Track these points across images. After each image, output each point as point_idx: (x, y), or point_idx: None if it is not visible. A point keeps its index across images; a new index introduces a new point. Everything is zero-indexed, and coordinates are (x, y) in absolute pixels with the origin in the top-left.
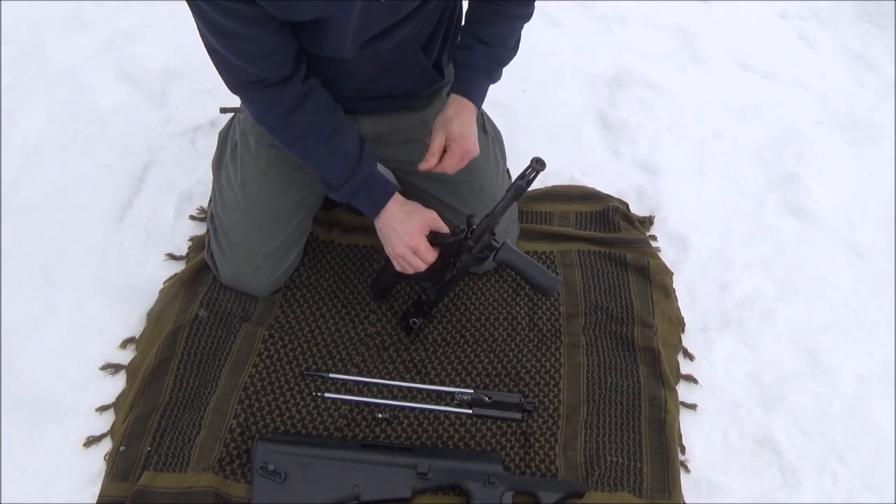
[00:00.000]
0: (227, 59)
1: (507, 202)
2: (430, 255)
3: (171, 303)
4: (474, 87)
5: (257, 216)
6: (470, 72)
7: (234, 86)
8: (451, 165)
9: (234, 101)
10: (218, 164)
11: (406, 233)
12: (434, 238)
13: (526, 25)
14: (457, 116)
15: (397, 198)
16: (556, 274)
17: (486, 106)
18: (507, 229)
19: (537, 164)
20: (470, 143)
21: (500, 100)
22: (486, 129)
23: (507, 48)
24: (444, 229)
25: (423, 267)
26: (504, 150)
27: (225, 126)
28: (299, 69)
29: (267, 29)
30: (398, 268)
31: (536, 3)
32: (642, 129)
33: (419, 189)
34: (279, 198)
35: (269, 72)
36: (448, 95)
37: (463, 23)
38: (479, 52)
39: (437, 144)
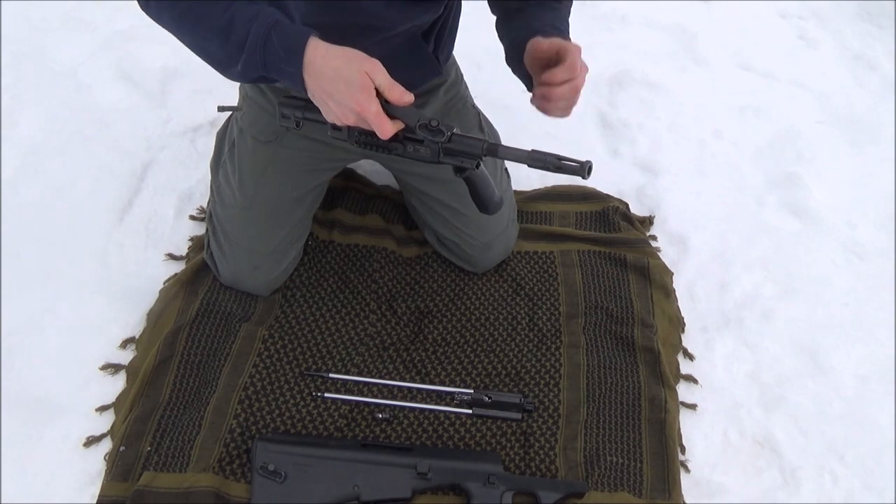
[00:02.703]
0: None
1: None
2: (386, 125)
3: (171, 303)
4: (564, 23)
5: (256, 214)
6: (555, 11)
7: None
8: (562, 93)
9: (232, 100)
10: (216, 163)
11: (347, 93)
12: (390, 108)
13: None
14: (564, 45)
15: (320, 43)
16: (555, 285)
17: (486, 106)
18: (506, 228)
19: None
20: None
21: (500, 100)
22: (483, 128)
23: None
24: (386, 81)
25: (385, 128)
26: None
27: (221, 126)
28: None
29: None
30: (339, 123)
31: None
32: (642, 129)
33: (418, 190)
34: (277, 195)
35: None
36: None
37: (496, 26)
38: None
39: (548, 46)
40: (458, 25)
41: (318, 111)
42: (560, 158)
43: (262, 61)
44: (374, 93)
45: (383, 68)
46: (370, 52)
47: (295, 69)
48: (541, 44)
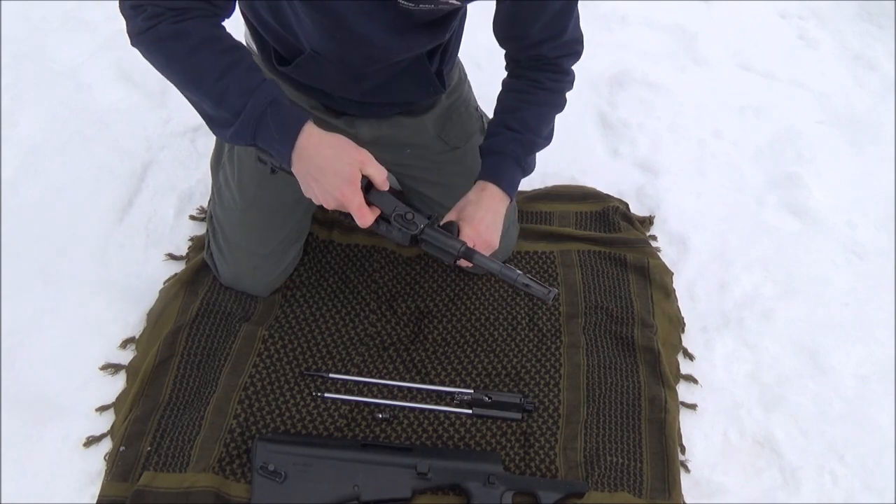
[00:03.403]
0: None
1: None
2: (367, 217)
3: (171, 303)
4: (501, 171)
5: (255, 216)
6: (497, 157)
7: None
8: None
9: None
10: (216, 163)
11: (334, 183)
12: (370, 195)
13: None
14: (478, 200)
15: (314, 129)
16: (555, 285)
17: (487, 106)
18: (507, 229)
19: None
20: (484, 228)
21: None
22: (483, 129)
23: (537, 135)
24: (377, 173)
25: (365, 222)
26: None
27: None
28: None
29: None
30: (318, 203)
31: None
32: (642, 129)
33: (420, 192)
34: (277, 197)
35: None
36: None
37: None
38: (506, 137)
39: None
40: (461, 37)
41: None
42: (528, 282)
43: (254, 134)
44: (359, 186)
45: (373, 159)
46: (375, 74)
47: (286, 150)
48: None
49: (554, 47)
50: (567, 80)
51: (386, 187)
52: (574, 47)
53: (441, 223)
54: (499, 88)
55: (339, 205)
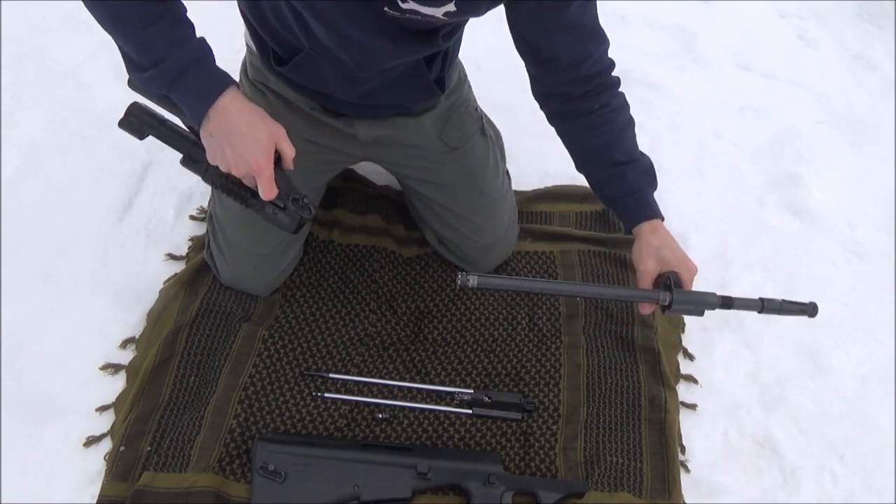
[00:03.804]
0: None
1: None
2: (272, 190)
3: (171, 303)
4: (650, 203)
5: (255, 217)
6: (638, 195)
7: None
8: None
9: None
10: None
11: (250, 149)
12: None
13: None
14: (662, 241)
15: (238, 94)
16: (557, 275)
17: (487, 106)
18: (508, 231)
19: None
20: (691, 262)
21: (501, 100)
22: (486, 131)
23: (641, 153)
24: (290, 151)
25: (269, 193)
26: (504, 152)
27: None
28: None
29: None
30: (224, 168)
31: None
32: (642, 129)
33: (420, 192)
34: None
35: None
36: (631, 232)
37: (573, 159)
38: (630, 172)
39: (648, 277)
40: (461, 41)
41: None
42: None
43: (170, 84)
44: (272, 157)
45: (286, 136)
46: (373, 77)
47: (202, 106)
48: (649, 269)
49: (591, 64)
50: (620, 92)
51: (292, 167)
52: (606, 58)
53: (641, 278)
54: (499, 89)
55: (248, 171)
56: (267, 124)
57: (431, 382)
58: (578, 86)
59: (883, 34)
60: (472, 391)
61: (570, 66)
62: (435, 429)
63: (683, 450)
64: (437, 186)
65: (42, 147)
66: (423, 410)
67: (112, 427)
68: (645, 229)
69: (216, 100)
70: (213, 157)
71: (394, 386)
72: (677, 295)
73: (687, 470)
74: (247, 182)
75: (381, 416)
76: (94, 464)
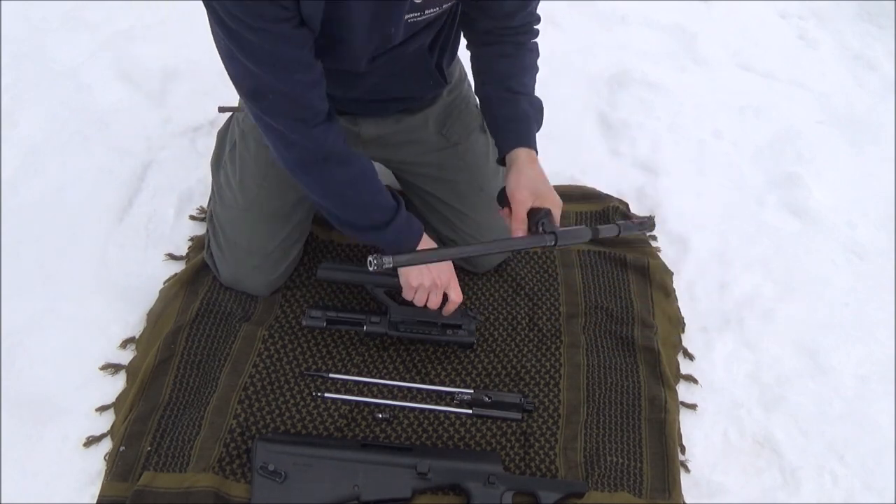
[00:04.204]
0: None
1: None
2: (459, 294)
3: (171, 303)
4: (532, 134)
5: (256, 216)
6: (524, 123)
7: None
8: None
9: (232, 100)
10: (216, 163)
11: (440, 269)
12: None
13: None
14: (537, 174)
15: (426, 237)
16: (555, 285)
17: None
18: (508, 229)
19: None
20: (558, 198)
21: None
22: (486, 129)
23: (533, 90)
24: (457, 297)
25: (437, 303)
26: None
27: (223, 125)
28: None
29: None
30: (407, 296)
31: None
32: (642, 129)
33: (420, 189)
34: (278, 198)
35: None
36: (504, 161)
37: (475, 81)
38: (523, 102)
39: (523, 208)
40: (461, 34)
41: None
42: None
43: (375, 242)
44: (441, 293)
45: (457, 284)
46: (375, 70)
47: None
48: (524, 199)
49: (524, 16)
50: (536, 41)
51: (459, 299)
52: (536, 13)
53: (515, 209)
54: None
55: (432, 284)
56: (446, 274)
57: (431, 382)
58: (506, 30)
59: (883, 34)
60: (472, 391)
61: (507, 14)
62: (435, 429)
63: (683, 450)
64: (437, 182)
65: (42, 147)
66: (423, 410)
67: (112, 427)
68: (522, 156)
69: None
70: (410, 279)
71: (394, 386)
72: (560, 236)
73: (687, 470)
74: (432, 298)
75: (381, 416)
76: (94, 464)
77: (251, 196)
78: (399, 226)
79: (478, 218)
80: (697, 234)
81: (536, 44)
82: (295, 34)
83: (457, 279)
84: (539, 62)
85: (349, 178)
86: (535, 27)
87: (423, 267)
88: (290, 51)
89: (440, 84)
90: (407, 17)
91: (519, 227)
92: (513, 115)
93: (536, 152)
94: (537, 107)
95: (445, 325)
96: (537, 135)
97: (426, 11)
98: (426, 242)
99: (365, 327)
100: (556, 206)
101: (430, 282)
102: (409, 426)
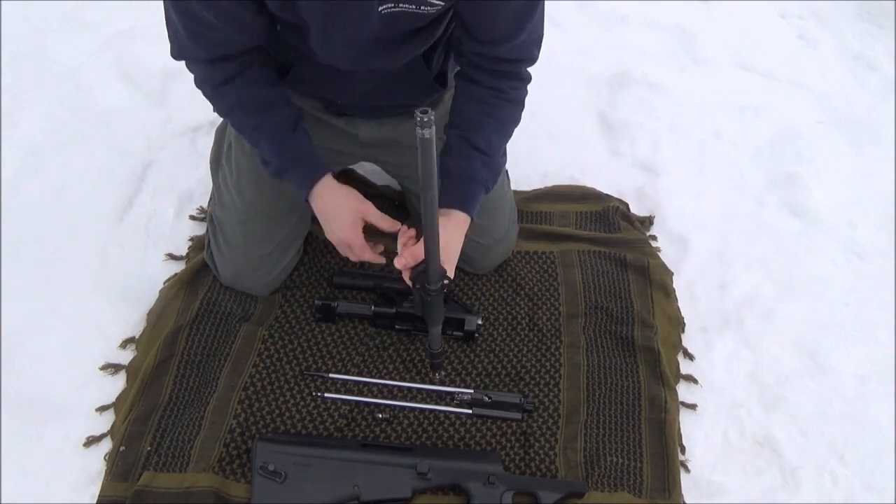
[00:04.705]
0: (205, 23)
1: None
2: (367, 252)
3: (171, 303)
4: (473, 200)
5: (254, 218)
6: (468, 184)
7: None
8: (401, 259)
9: None
10: (215, 163)
11: (339, 226)
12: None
13: None
14: (448, 237)
15: (329, 182)
16: (555, 284)
17: None
18: (508, 231)
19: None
20: (448, 257)
21: None
22: None
23: (501, 157)
24: (382, 223)
25: (364, 257)
26: (505, 156)
27: (221, 122)
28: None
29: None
30: (342, 253)
31: None
32: (642, 129)
33: (417, 193)
34: (276, 199)
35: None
36: (441, 206)
37: (450, 126)
38: (477, 162)
39: (417, 252)
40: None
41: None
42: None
43: (280, 181)
44: (360, 230)
45: (374, 208)
46: (368, 76)
47: (303, 195)
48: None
49: (511, 48)
50: (524, 87)
51: (393, 228)
52: (531, 51)
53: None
54: None
55: (341, 244)
56: (352, 206)
57: (431, 382)
58: (489, 63)
59: (883, 34)
60: (472, 391)
61: (493, 40)
62: (435, 429)
63: (683, 450)
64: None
65: (42, 147)
66: (423, 410)
67: (112, 427)
68: (454, 220)
69: (311, 190)
70: (324, 228)
71: (394, 386)
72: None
73: (687, 470)
74: (346, 253)
75: (381, 416)
76: (94, 464)
77: (248, 199)
78: (285, 161)
79: (478, 221)
80: (697, 234)
81: (521, 94)
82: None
83: (359, 236)
84: (539, 62)
85: (236, 101)
86: (524, 71)
87: (327, 227)
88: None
89: (437, 91)
90: (380, 8)
91: (402, 253)
92: (462, 173)
93: (472, 217)
94: (494, 168)
95: (450, 317)
96: (536, 135)
97: (401, 4)
98: (332, 187)
99: (372, 307)
100: (447, 266)
101: (338, 240)
102: (409, 426)
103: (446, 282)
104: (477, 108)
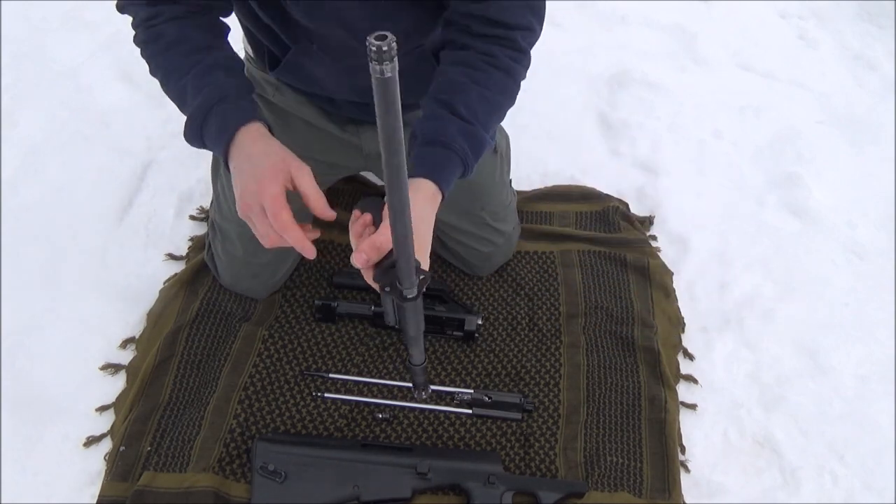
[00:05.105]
0: None
1: None
2: (289, 226)
3: (171, 303)
4: (443, 171)
5: (250, 231)
6: (439, 152)
7: None
8: (360, 255)
9: None
10: (215, 171)
11: (253, 177)
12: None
13: None
14: (418, 213)
15: (256, 128)
16: (555, 284)
17: None
18: (510, 237)
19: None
20: (419, 243)
21: None
22: (497, 147)
23: (486, 131)
24: (312, 197)
25: (269, 234)
26: (510, 163)
27: None
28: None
29: None
30: (253, 231)
31: None
32: (642, 129)
33: None
34: None
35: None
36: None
37: (427, 95)
38: (453, 126)
39: (383, 239)
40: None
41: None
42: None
43: (201, 133)
44: (280, 180)
45: (310, 173)
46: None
47: (222, 142)
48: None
49: (503, 8)
50: (524, 62)
51: (325, 215)
52: (527, 17)
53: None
54: None
55: (253, 199)
56: (277, 156)
57: (431, 382)
58: (479, 23)
59: (883, 34)
60: (472, 391)
61: None
62: (435, 429)
63: (683, 450)
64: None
65: (42, 147)
66: (423, 410)
67: (112, 427)
68: (424, 190)
69: (235, 135)
70: (235, 194)
71: (394, 386)
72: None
73: (687, 470)
74: (256, 227)
75: (381, 416)
76: (94, 464)
77: None
78: (208, 102)
79: (479, 232)
80: (697, 234)
81: (517, 67)
82: None
83: (278, 191)
84: (539, 62)
85: (162, 47)
86: (521, 42)
87: (237, 184)
88: None
89: None
90: None
91: (359, 247)
92: (433, 138)
93: (444, 195)
94: (475, 141)
95: (450, 317)
96: (536, 135)
97: None
98: (258, 133)
99: (372, 308)
100: (420, 257)
101: (246, 204)
102: (409, 426)
103: (422, 277)
104: (462, 72)
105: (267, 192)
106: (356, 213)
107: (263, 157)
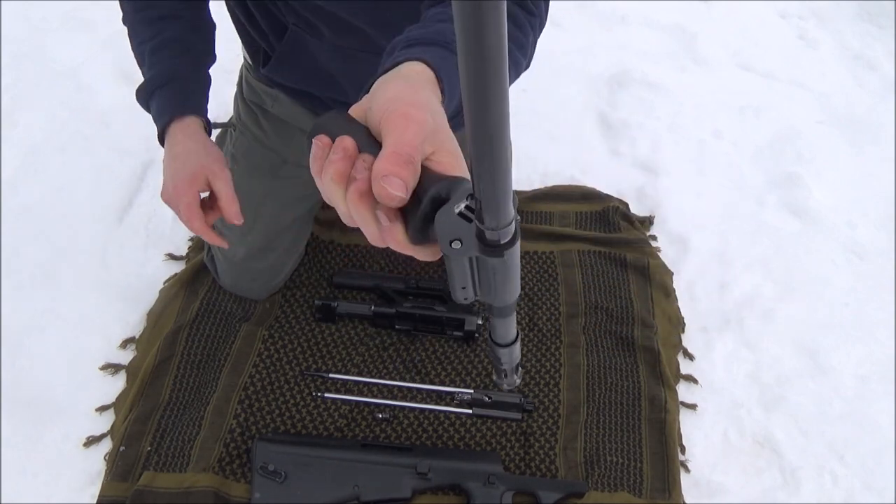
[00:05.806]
0: None
1: None
2: (195, 218)
3: (171, 303)
4: (443, 62)
5: (254, 238)
6: (432, 46)
7: None
8: (393, 181)
9: (230, 103)
10: None
11: (176, 173)
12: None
13: None
14: (411, 88)
15: (189, 123)
16: (555, 284)
17: None
18: None
19: None
20: (445, 144)
21: None
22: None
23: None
24: (225, 198)
25: (192, 225)
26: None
27: (218, 134)
28: None
29: None
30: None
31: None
32: (642, 129)
33: None
34: (275, 221)
35: None
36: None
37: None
38: (451, 30)
39: (407, 137)
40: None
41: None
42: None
43: (147, 104)
44: (196, 189)
45: (228, 176)
46: (364, 59)
47: (159, 129)
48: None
49: None
50: (536, 21)
51: (232, 219)
52: None
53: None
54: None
55: (170, 198)
56: (200, 156)
57: (431, 382)
58: None
59: (883, 34)
60: (472, 391)
61: None
62: (435, 429)
63: (683, 450)
64: None
65: (42, 147)
66: (423, 410)
67: (112, 427)
68: (417, 70)
69: (170, 124)
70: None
71: (394, 386)
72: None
73: (687, 470)
74: (180, 216)
75: (381, 416)
76: (94, 464)
77: (248, 222)
78: (159, 81)
79: None
80: (697, 234)
81: (528, 22)
82: None
83: (192, 193)
84: (539, 62)
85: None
86: (535, 7)
87: (165, 176)
88: None
89: None
90: None
91: (357, 170)
92: (433, 39)
93: (444, 92)
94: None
95: (450, 317)
96: (536, 135)
97: None
98: (190, 130)
99: (372, 308)
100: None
101: (168, 196)
102: (409, 426)
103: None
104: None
105: (182, 199)
106: (319, 139)
107: (185, 161)
